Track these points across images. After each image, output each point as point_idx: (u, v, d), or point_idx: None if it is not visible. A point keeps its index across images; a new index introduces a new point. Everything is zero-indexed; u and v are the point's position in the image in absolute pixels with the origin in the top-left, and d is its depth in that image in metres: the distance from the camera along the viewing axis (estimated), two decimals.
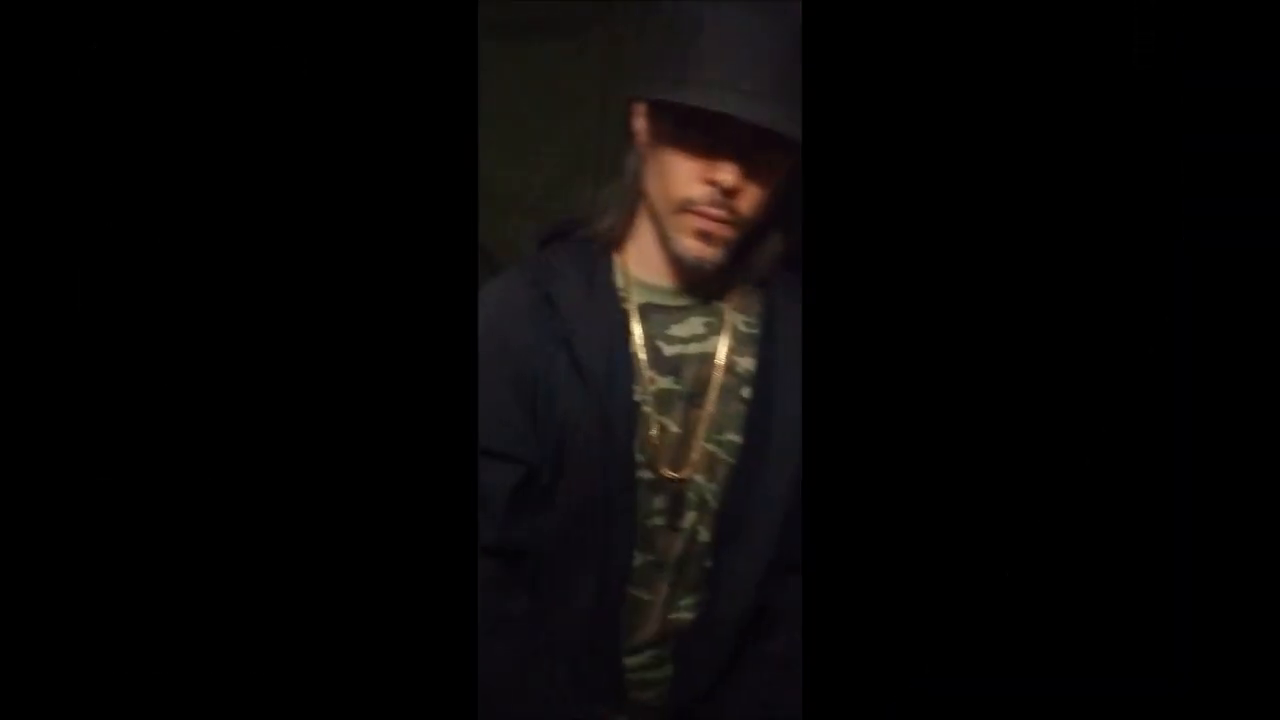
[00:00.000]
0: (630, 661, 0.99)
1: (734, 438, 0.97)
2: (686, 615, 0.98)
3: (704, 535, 0.97)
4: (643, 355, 0.96)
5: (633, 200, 0.98)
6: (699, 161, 0.91)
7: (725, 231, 0.93)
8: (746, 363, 0.98)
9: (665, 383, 0.96)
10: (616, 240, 1.01)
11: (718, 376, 0.97)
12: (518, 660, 0.96)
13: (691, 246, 0.93)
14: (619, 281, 0.99)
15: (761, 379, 0.98)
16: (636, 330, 0.97)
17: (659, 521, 0.97)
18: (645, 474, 0.96)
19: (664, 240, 0.96)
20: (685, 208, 0.92)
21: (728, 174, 0.89)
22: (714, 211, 0.91)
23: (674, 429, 0.96)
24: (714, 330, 0.99)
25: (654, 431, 0.95)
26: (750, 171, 0.91)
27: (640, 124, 0.96)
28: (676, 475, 0.95)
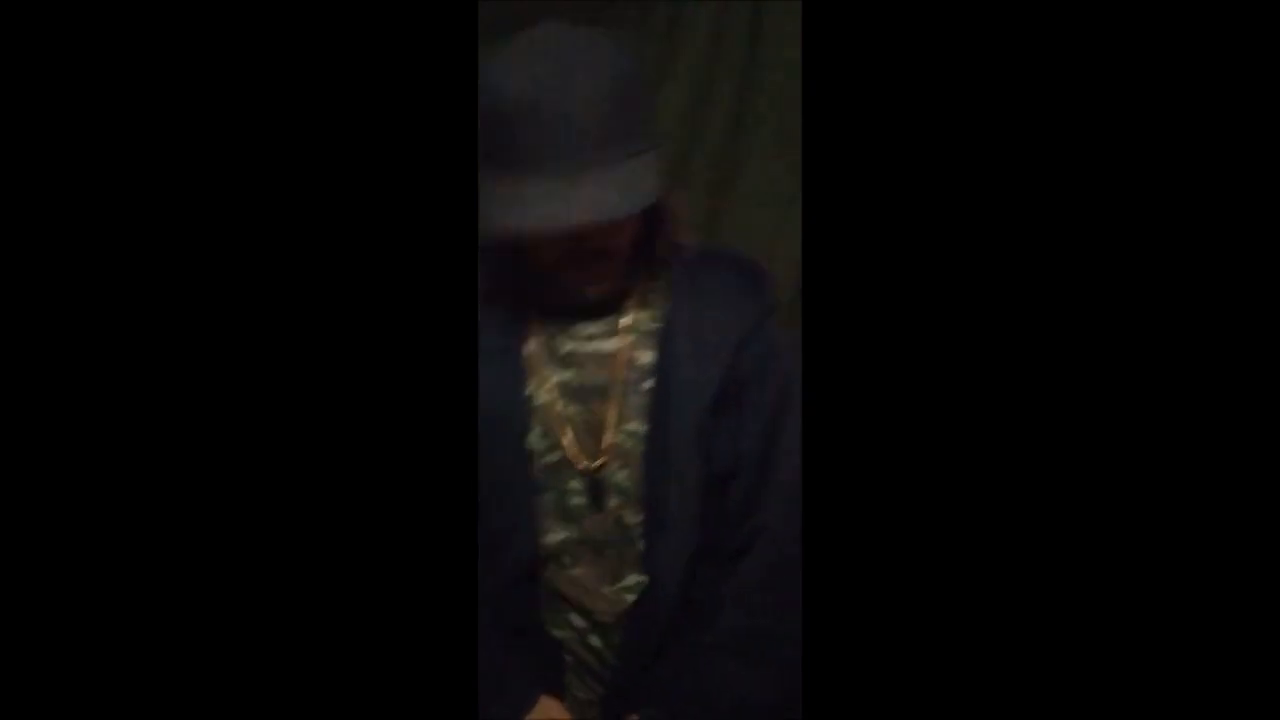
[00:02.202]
0: (570, 640, 1.04)
1: (639, 427, 1.01)
2: (629, 597, 1.02)
3: (630, 518, 1.01)
4: (538, 352, 1.02)
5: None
6: (544, 252, 0.94)
7: (604, 270, 0.97)
8: (646, 357, 1.02)
9: (564, 376, 1.02)
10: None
11: (618, 371, 1.02)
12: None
13: (580, 285, 0.98)
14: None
15: (661, 370, 1.01)
16: (534, 329, 1.03)
17: (580, 501, 1.02)
18: (552, 457, 1.01)
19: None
20: (555, 277, 0.97)
21: (579, 258, 0.93)
22: (583, 274, 0.96)
23: (581, 418, 1.02)
24: (612, 330, 1.03)
25: (555, 418, 1.01)
26: (594, 235, 0.92)
27: None
28: (591, 465, 1.01)
